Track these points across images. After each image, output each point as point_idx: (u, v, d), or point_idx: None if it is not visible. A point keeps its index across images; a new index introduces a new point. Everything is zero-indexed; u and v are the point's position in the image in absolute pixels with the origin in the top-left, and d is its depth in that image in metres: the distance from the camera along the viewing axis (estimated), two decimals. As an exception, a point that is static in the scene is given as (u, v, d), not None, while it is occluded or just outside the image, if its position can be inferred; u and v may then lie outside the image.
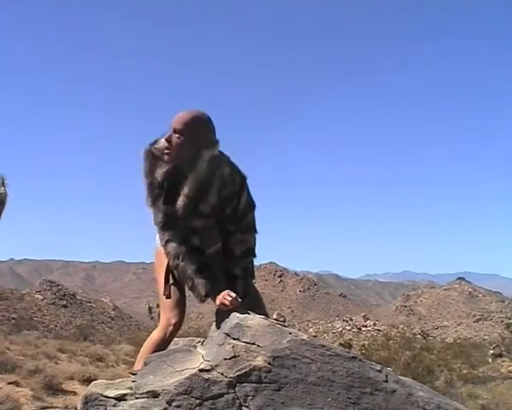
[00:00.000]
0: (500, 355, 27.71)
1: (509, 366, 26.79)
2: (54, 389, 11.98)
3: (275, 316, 4.13)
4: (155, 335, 3.65)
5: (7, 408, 9.27)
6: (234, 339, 3.04)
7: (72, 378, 13.68)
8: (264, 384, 2.85)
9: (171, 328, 3.61)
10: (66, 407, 3.34)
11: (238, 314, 3.18)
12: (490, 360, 28.67)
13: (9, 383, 11.74)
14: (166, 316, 3.64)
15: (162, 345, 3.57)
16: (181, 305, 3.69)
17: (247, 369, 2.87)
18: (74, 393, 12.00)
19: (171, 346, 3.71)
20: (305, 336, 3.13)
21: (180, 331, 3.82)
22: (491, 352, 28.85)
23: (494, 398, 18.44)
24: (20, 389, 11.61)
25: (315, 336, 3.49)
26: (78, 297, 79.79)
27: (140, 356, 3.67)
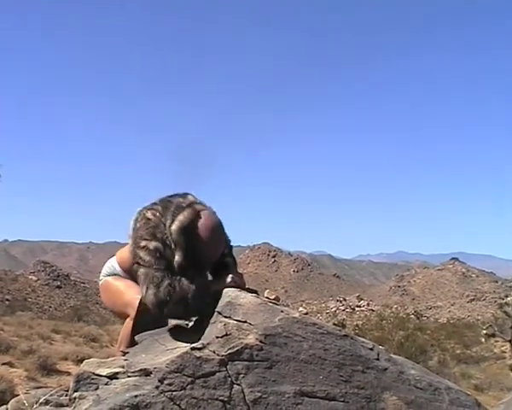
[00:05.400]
0: (493, 335, 27.73)
1: (502, 346, 26.93)
2: (48, 369, 12.03)
3: (266, 294, 4.12)
4: (128, 324, 3.68)
5: (1, 389, 9.30)
6: (225, 317, 3.04)
7: (66, 359, 13.73)
8: (255, 362, 2.85)
9: (136, 307, 3.60)
10: (59, 387, 3.34)
11: (230, 293, 3.19)
12: (483, 340, 28.75)
13: (3, 364, 11.77)
14: (132, 305, 3.65)
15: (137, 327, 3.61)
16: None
17: (239, 347, 2.87)
18: (68, 373, 12.04)
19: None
20: (296, 314, 3.14)
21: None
22: (484, 332, 28.83)
23: (487, 378, 18.57)
24: (15, 369, 11.65)
25: (306, 314, 3.53)
26: (72, 278, 79.89)
27: (119, 343, 3.72)
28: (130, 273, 3.83)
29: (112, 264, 4.07)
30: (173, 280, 3.26)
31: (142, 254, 3.38)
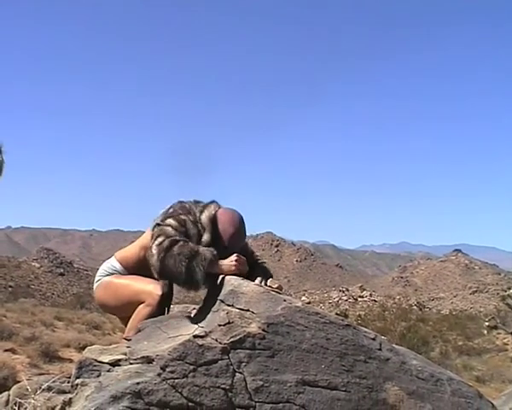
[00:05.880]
0: (495, 328, 27.61)
1: (504, 338, 26.88)
2: (50, 356, 12.06)
3: (269, 283, 4.17)
4: (143, 310, 3.65)
5: (3, 375, 9.32)
6: (228, 305, 3.05)
7: (68, 346, 13.76)
8: (257, 351, 2.86)
9: (157, 298, 3.59)
10: (62, 374, 3.36)
11: (233, 281, 3.19)
12: (485, 332, 28.65)
13: (6, 351, 11.80)
14: (148, 291, 3.66)
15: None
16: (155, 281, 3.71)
17: (242, 335, 2.88)
18: (70, 360, 12.07)
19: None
20: (299, 304, 3.14)
21: (177, 300, 3.84)
22: (487, 324, 28.69)
23: (489, 370, 18.57)
24: (17, 356, 11.68)
25: (308, 303, 3.57)
26: (75, 265, 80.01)
27: (128, 329, 3.70)
28: (132, 272, 3.93)
29: (111, 264, 4.08)
30: (181, 238, 3.42)
31: (168, 220, 3.58)
